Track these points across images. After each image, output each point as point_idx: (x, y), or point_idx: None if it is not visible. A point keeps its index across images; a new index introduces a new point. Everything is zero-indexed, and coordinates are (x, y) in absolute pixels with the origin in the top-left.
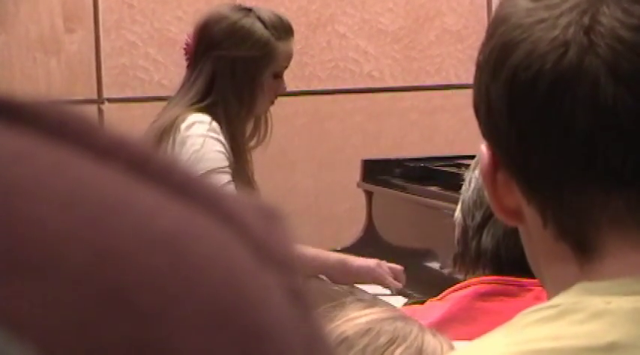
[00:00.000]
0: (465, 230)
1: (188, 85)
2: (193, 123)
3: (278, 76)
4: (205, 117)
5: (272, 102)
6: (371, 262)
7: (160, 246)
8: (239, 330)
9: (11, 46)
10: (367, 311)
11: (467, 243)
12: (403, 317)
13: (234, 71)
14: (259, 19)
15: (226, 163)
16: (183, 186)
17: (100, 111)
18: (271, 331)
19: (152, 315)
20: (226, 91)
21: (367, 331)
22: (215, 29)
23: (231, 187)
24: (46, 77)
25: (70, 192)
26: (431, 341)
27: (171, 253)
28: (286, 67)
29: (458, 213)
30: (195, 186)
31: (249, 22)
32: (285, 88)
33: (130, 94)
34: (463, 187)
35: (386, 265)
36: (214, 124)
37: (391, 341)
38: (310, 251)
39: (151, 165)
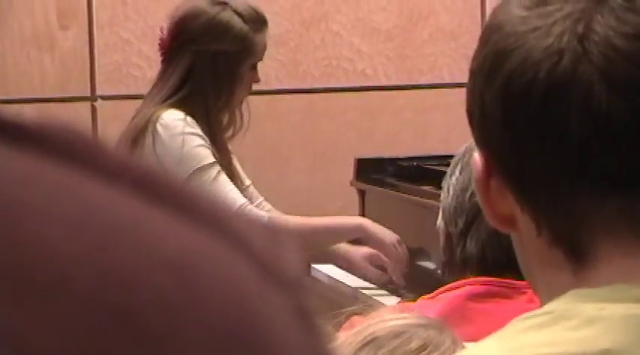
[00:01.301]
0: (448, 237)
1: (164, 80)
2: (168, 123)
3: (254, 67)
4: (179, 114)
5: (248, 93)
6: (390, 236)
7: (167, 267)
8: (247, 351)
9: (5, 42)
10: (403, 315)
11: (452, 251)
12: (439, 327)
13: (215, 65)
14: (236, 12)
15: (211, 158)
16: (190, 206)
17: (94, 108)
18: (279, 351)
19: (161, 337)
20: (205, 85)
21: (400, 334)
22: (194, 24)
23: (222, 179)
24: (39, 74)
25: (77, 213)
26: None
27: (180, 275)
28: (261, 58)
29: (440, 221)
30: (202, 206)
31: (227, 16)
32: (259, 79)
33: (123, 91)
34: (442, 195)
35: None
36: (189, 119)
37: (422, 348)
38: (322, 221)
39: (157, 185)
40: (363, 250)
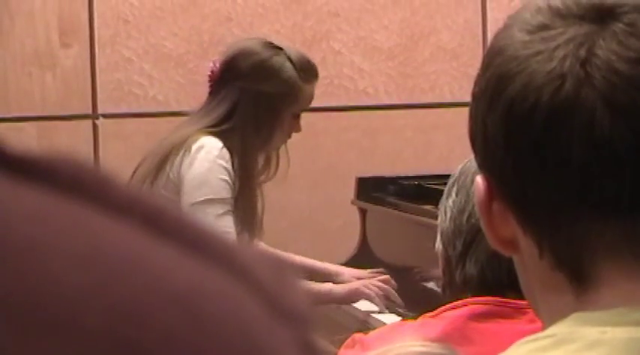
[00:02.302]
0: (447, 260)
1: (207, 110)
2: (204, 146)
3: (297, 116)
4: (217, 142)
5: (285, 141)
6: (355, 283)
7: (175, 303)
8: None
9: (6, 60)
10: (424, 342)
11: (452, 273)
12: None
13: (257, 104)
14: (289, 59)
15: (227, 195)
16: (197, 241)
17: (95, 126)
18: None
19: None
20: (246, 122)
21: None
22: (245, 63)
23: (226, 219)
24: (41, 92)
25: (86, 249)
26: None
27: (187, 311)
28: (306, 108)
29: (438, 244)
30: (209, 241)
31: (279, 61)
32: (300, 128)
33: (124, 109)
34: (439, 218)
35: (373, 283)
36: (224, 151)
37: None
38: None
39: (164, 220)
40: (361, 287)
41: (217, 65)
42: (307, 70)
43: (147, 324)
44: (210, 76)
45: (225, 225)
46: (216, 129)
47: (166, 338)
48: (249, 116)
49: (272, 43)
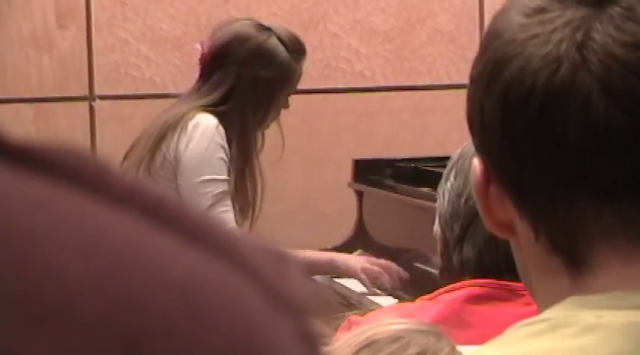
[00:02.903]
0: (445, 243)
1: (202, 92)
2: (200, 124)
3: (288, 94)
4: (213, 119)
5: (276, 118)
6: (358, 265)
7: (175, 293)
8: None
9: (3, 42)
10: (402, 320)
11: (450, 256)
12: (438, 334)
13: (256, 89)
14: (281, 40)
15: (225, 174)
16: (197, 231)
17: (92, 108)
18: None
19: None
20: (244, 105)
21: (398, 339)
22: (240, 49)
23: (225, 199)
24: (38, 74)
25: (86, 239)
26: None
27: (186, 300)
28: (296, 87)
29: (436, 227)
30: (209, 231)
31: (273, 43)
32: (289, 106)
33: (121, 91)
34: (438, 201)
35: (371, 269)
36: (221, 128)
37: (420, 354)
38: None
39: (165, 210)
40: (361, 264)
41: (205, 48)
42: (298, 51)
43: (146, 315)
44: (200, 59)
45: (224, 204)
46: (212, 109)
47: (166, 328)
48: (248, 100)
49: (261, 24)
